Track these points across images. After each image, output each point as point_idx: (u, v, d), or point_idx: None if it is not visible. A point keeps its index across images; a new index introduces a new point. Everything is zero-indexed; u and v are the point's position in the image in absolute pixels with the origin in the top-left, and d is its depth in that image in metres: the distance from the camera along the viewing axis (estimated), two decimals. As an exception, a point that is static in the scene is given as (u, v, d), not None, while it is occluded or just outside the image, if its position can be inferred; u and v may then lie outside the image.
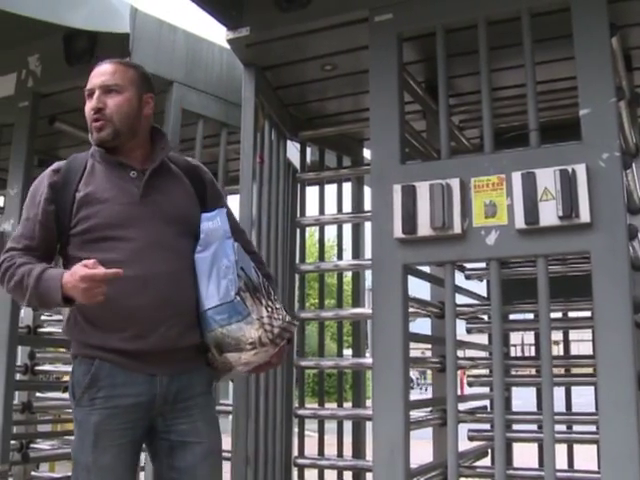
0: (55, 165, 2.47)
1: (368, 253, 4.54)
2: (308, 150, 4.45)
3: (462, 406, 3.80)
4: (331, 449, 4.33)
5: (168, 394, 2.33)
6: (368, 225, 4.60)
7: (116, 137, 2.42)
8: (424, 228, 2.88)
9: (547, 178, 2.70)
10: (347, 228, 4.61)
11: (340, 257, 4.46)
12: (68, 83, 3.94)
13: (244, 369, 2.49)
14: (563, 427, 4.28)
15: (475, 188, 2.86)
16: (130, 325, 2.28)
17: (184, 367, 2.39)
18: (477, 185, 2.86)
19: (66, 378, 5.73)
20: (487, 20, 2.98)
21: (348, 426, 4.40)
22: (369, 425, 4.49)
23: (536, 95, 2.88)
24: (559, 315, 4.38)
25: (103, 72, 2.46)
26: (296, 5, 3.34)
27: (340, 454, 4.34)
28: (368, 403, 4.70)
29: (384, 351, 2.93)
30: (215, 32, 3.89)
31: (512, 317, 4.48)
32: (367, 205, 4.63)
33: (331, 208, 4.49)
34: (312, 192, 4.47)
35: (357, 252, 4.57)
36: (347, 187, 4.71)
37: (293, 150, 4.35)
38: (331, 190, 4.53)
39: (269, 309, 2.40)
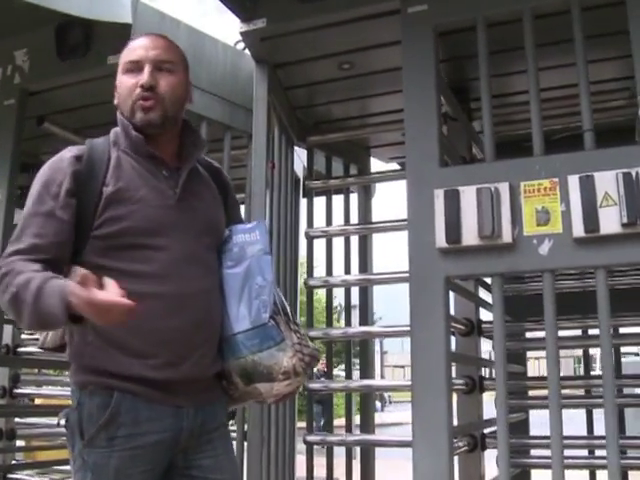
0: (75, 150, 2.01)
1: (377, 267, 4.33)
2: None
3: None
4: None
5: (194, 427, 1.98)
6: (376, 237, 4.40)
7: (165, 122, 2.03)
8: (470, 237, 2.63)
9: (608, 182, 2.48)
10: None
11: (348, 271, 4.18)
12: (59, 80, 3.66)
13: (272, 400, 2.18)
14: (585, 452, 4.06)
15: (525, 193, 2.63)
16: (163, 351, 1.91)
17: (209, 397, 2.05)
18: (527, 190, 2.63)
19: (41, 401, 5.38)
20: (534, 13, 2.76)
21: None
22: (378, 451, 4.26)
23: (589, 94, 2.66)
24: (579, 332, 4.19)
25: (156, 45, 2.06)
26: (317, -5, 3.08)
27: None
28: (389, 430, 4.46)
29: (424, 373, 2.67)
30: (217, 28, 3.61)
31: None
32: (375, 216, 4.40)
33: (336, 219, 4.23)
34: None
35: (365, 266, 4.30)
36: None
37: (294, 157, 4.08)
38: (338, 200, 4.27)
39: (298, 335, 2.09)
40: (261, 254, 2.08)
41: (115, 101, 2.08)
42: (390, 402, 28.11)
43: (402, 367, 45.77)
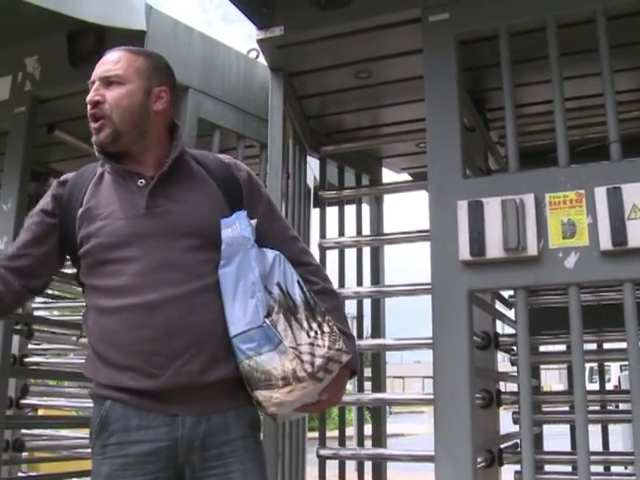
0: (63, 176, 2.08)
1: (388, 279, 4.28)
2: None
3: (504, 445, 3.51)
4: None
5: (194, 438, 1.86)
6: (388, 248, 4.35)
7: (117, 138, 1.96)
8: (494, 249, 2.58)
9: (636, 194, 2.44)
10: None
11: (360, 283, 4.13)
12: (71, 87, 3.57)
13: (277, 411, 1.97)
14: (600, 468, 4.01)
15: (550, 205, 2.58)
16: (138, 362, 1.85)
17: (214, 406, 1.91)
18: (553, 202, 2.59)
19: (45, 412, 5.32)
20: (557, 22, 2.72)
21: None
22: (390, 465, 4.20)
23: (615, 105, 2.62)
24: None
25: (106, 61, 2.02)
26: (337, 3, 3.04)
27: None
28: (389, 441, 4.40)
29: (448, 388, 2.62)
30: (222, 38, 3.57)
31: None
32: (387, 227, 4.37)
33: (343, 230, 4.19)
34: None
35: (376, 277, 4.24)
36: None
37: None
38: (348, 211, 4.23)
39: (312, 333, 1.90)
40: (246, 248, 1.93)
41: None
42: (391, 413, 27.99)
43: (401, 378, 45.75)
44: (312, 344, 1.88)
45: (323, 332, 1.92)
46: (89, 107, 1.96)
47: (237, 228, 1.95)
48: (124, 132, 1.96)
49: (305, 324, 1.91)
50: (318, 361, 1.87)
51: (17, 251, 2.01)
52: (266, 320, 1.84)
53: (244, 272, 1.90)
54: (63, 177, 2.07)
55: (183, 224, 1.96)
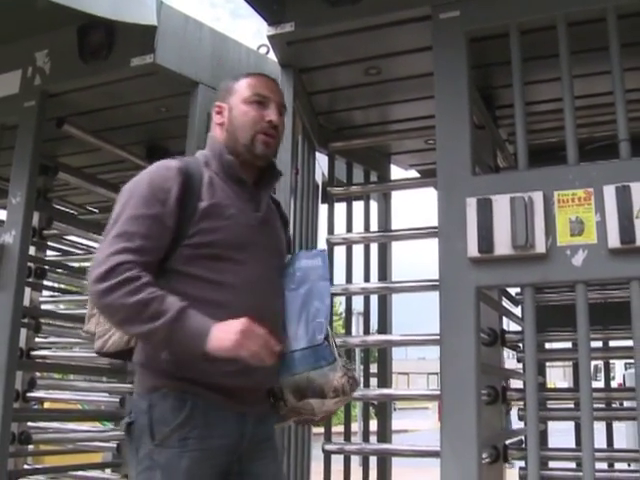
0: (177, 162, 2.10)
1: (396, 274, 4.29)
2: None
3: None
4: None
5: (253, 435, 2.08)
6: (395, 245, 4.35)
7: (273, 157, 2.24)
8: (502, 247, 2.59)
9: (645, 193, 2.43)
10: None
11: (367, 279, 4.14)
12: (81, 81, 3.62)
13: (320, 417, 2.25)
14: (604, 465, 4.02)
15: (559, 203, 2.59)
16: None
17: (266, 408, 2.17)
18: (561, 200, 2.59)
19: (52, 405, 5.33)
20: (567, 20, 2.72)
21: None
22: (394, 461, 4.22)
23: (625, 103, 2.63)
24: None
25: (278, 90, 2.26)
26: (347, 0, 3.04)
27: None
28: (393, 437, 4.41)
29: (454, 384, 2.63)
30: (231, 33, 3.58)
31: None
32: (395, 223, 4.37)
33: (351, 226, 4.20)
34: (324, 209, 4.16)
35: (384, 274, 4.25)
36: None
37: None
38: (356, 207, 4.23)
39: (342, 357, 2.20)
40: (321, 280, 2.19)
41: (220, 123, 2.20)
42: (395, 409, 28.02)
43: (406, 374, 45.73)
44: (345, 367, 2.17)
45: (345, 359, 2.24)
46: (269, 125, 2.15)
47: (319, 262, 2.24)
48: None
49: (336, 349, 2.20)
50: (352, 380, 2.17)
51: (147, 242, 1.97)
52: (325, 341, 2.13)
53: (311, 298, 2.18)
54: (179, 163, 2.09)
55: (275, 245, 2.25)
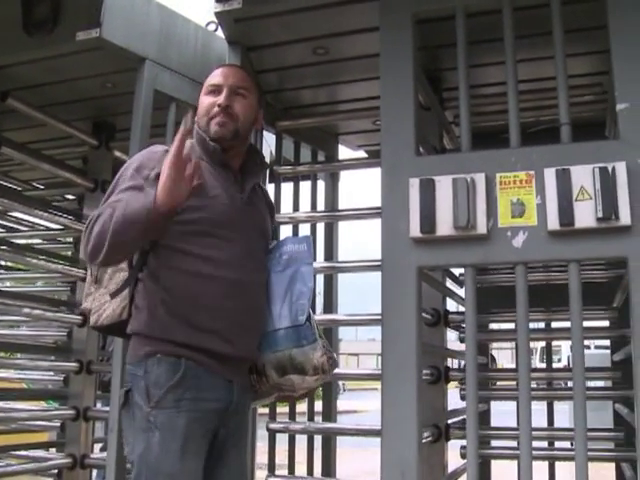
0: (162, 146, 2.37)
1: (342, 254, 4.31)
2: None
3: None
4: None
5: (238, 404, 2.29)
6: (342, 225, 4.37)
7: (234, 137, 2.38)
8: (444, 227, 2.61)
9: (584, 176, 2.47)
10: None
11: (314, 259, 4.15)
12: (25, 54, 3.56)
13: (300, 394, 2.49)
14: (544, 444, 4.10)
15: (501, 185, 2.61)
16: (225, 327, 2.22)
17: (247, 380, 2.38)
18: (503, 182, 2.61)
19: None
20: (513, 4, 2.74)
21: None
22: (340, 442, 4.25)
23: (567, 88, 2.66)
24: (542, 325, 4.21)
25: (233, 73, 2.47)
26: (296, -22, 3.03)
27: (310, 471, 4.03)
28: (342, 417, 4.44)
29: (395, 362, 2.64)
30: (190, 9, 3.54)
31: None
32: (342, 203, 4.38)
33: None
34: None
35: (330, 253, 4.27)
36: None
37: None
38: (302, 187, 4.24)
39: (322, 338, 2.39)
40: (305, 264, 2.40)
41: (195, 118, 2.42)
42: (345, 390, 28.24)
43: (356, 355, 46.06)
44: (324, 346, 2.36)
45: (322, 338, 2.41)
46: (217, 108, 2.36)
47: (304, 247, 2.46)
48: (240, 135, 2.40)
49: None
50: (332, 360, 2.38)
51: None
52: (307, 322, 2.32)
53: (295, 281, 2.37)
54: (163, 147, 2.34)
55: (260, 226, 2.48)
